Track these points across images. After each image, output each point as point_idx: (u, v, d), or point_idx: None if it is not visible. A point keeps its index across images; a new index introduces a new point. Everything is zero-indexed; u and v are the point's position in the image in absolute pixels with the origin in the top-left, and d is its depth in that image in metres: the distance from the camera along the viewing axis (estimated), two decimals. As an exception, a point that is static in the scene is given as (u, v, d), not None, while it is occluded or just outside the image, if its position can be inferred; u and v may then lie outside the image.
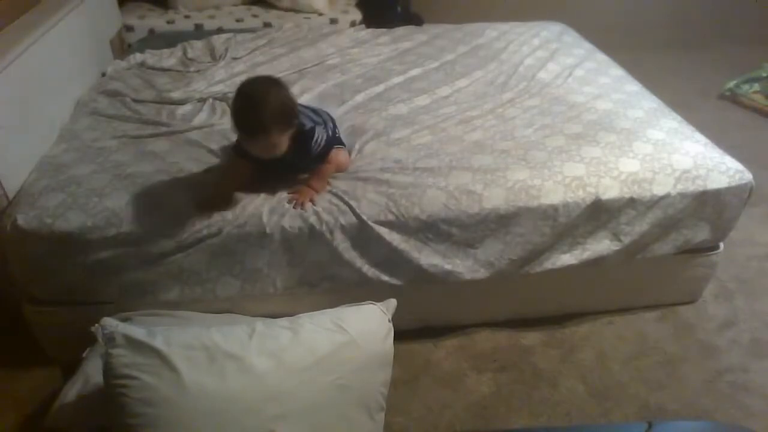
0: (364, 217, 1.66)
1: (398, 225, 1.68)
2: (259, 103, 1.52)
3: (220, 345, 1.32)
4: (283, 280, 1.73)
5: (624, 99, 2.20)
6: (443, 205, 1.69)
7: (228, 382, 1.29)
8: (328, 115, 1.91)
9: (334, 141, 1.82)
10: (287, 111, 1.58)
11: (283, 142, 1.59)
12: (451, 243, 1.72)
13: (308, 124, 1.70)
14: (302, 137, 1.66)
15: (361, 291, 1.70)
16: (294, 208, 1.66)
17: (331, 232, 1.66)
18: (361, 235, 1.68)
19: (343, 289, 1.75)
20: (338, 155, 1.79)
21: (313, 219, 1.65)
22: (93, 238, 1.60)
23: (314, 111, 1.85)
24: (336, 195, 1.69)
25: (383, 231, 1.67)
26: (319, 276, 1.73)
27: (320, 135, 1.71)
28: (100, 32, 2.64)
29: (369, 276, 1.72)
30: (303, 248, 1.68)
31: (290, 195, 1.70)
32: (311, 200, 1.68)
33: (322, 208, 1.67)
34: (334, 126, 1.88)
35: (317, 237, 1.66)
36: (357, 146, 1.92)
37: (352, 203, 1.67)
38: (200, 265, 1.67)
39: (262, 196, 1.71)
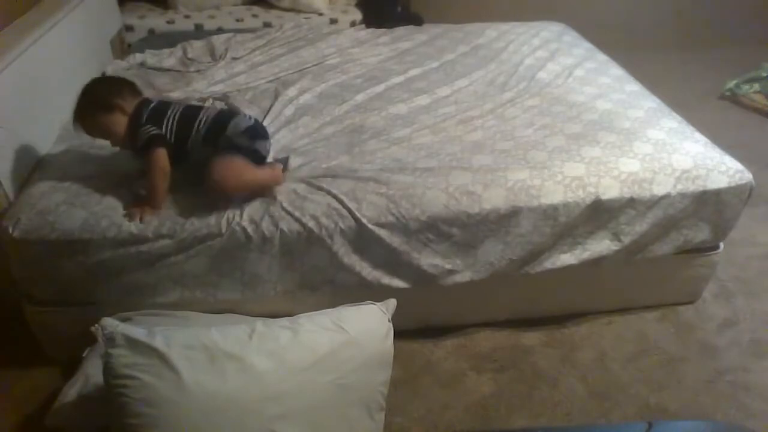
0: (364, 221, 1.65)
1: (398, 226, 1.68)
2: (78, 95, 1.67)
3: (220, 345, 1.33)
4: (283, 284, 1.73)
5: (624, 99, 2.20)
6: (443, 205, 1.68)
7: (228, 382, 1.29)
8: (211, 121, 1.71)
9: (164, 143, 1.66)
10: (95, 101, 1.66)
11: (104, 131, 1.68)
12: (452, 243, 1.72)
13: (143, 120, 1.67)
14: (131, 130, 1.67)
15: (361, 291, 1.70)
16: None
17: (331, 237, 1.66)
18: (361, 239, 1.68)
19: (343, 290, 1.74)
20: (157, 159, 1.64)
21: (312, 224, 1.64)
22: (93, 238, 1.59)
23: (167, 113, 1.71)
24: (335, 198, 1.68)
25: (383, 233, 1.67)
26: (320, 280, 1.73)
27: (145, 132, 1.64)
28: (100, 32, 2.64)
29: (369, 280, 1.72)
30: (303, 253, 1.68)
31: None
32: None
33: (321, 212, 1.66)
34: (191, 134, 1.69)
35: (316, 242, 1.66)
36: (356, 146, 1.91)
37: (352, 205, 1.66)
38: (201, 268, 1.67)
39: (260, 201, 1.70)
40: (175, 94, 2.24)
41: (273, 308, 1.74)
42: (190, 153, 1.70)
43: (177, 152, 1.69)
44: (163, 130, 1.67)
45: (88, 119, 1.67)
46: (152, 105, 1.72)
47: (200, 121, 1.70)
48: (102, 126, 1.67)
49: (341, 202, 1.67)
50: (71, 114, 1.68)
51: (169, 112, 1.71)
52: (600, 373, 1.84)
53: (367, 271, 1.72)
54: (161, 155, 1.65)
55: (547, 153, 1.85)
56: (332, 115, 2.11)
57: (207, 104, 1.82)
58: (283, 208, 1.66)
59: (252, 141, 1.71)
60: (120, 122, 1.67)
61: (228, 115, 1.75)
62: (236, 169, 1.64)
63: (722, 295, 2.13)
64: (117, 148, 1.81)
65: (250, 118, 1.76)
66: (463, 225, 1.70)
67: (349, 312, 1.48)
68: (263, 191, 1.70)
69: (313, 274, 1.72)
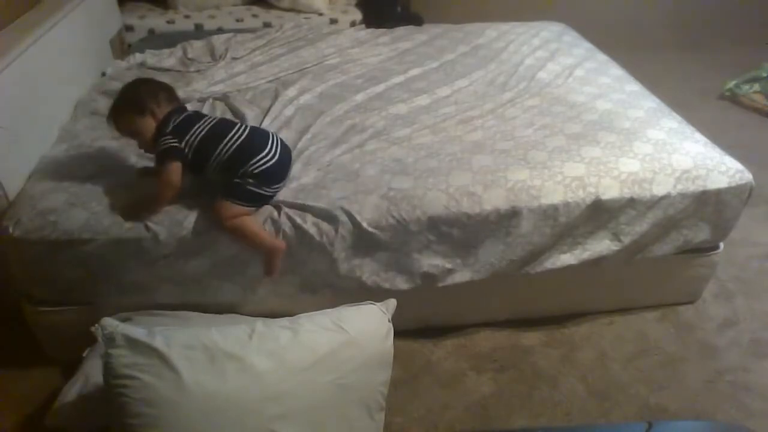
0: (365, 224, 1.65)
1: (399, 229, 1.67)
2: (118, 93, 1.71)
3: (220, 345, 1.33)
4: (284, 287, 1.73)
5: (624, 99, 2.20)
6: (444, 206, 1.68)
7: (228, 382, 1.29)
8: (229, 147, 1.64)
9: (180, 158, 1.63)
10: (130, 101, 1.66)
11: (132, 132, 1.67)
12: (452, 244, 1.72)
13: (168, 129, 1.64)
14: (156, 138, 1.65)
15: (361, 292, 1.70)
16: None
17: (332, 243, 1.65)
18: (362, 242, 1.68)
19: (343, 292, 1.74)
20: (168, 172, 1.61)
21: (313, 230, 1.64)
22: (94, 238, 1.59)
23: (190, 125, 1.66)
24: (335, 203, 1.67)
25: (384, 236, 1.67)
26: (320, 284, 1.74)
27: (164, 142, 1.62)
28: (100, 32, 2.64)
29: (369, 284, 1.72)
30: (304, 258, 1.68)
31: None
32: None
33: (322, 217, 1.65)
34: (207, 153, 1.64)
35: (317, 248, 1.66)
36: (356, 147, 1.91)
37: (353, 209, 1.66)
38: (201, 270, 1.67)
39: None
40: (175, 94, 2.24)
41: (273, 308, 1.74)
42: (207, 173, 1.66)
43: (194, 167, 1.66)
44: (184, 144, 1.63)
45: (120, 118, 1.67)
46: (183, 115, 1.68)
47: (224, 147, 1.63)
48: (131, 127, 1.67)
49: (341, 206, 1.66)
50: (108, 110, 1.70)
51: (195, 128, 1.66)
52: (600, 373, 1.84)
53: (367, 275, 1.72)
54: (174, 169, 1.61)
55: (547, 153, 1.85)
56: (332, 115, 2.11)
57: (238, 125, 1.71)
58: (285, 213, 1.65)
59: (265, 184, 1.64)
60: (149, 126, 1.65)
61: (254, 147, 1.64)
62: (229, 214, 1.60)
63: (722, 295, 2.13)
64: (116, 149, 1.82)
65: (274, 154, 1.65)
66: (464, 226, 1.70)
67: (349, 312, 1.48)
68: (264, 251, 1.64)
69: (314, 277, 1.72)
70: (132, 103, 1.66)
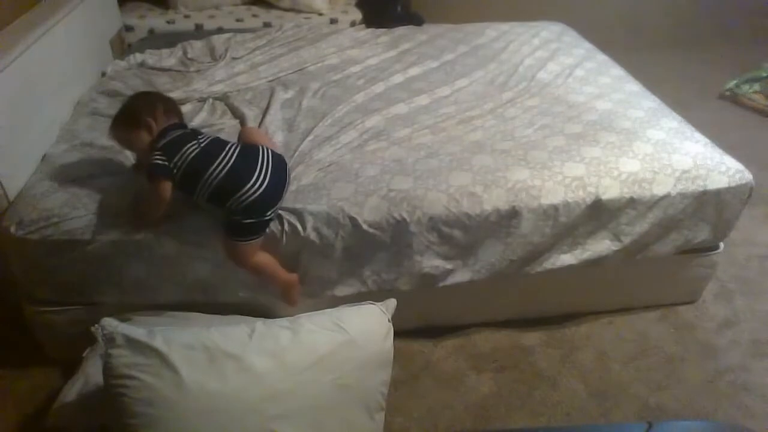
0: (365, 226, 1.65)
1: (399, 229, 1.67)
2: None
3: (220, 345, 1.33)
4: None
5: (624, 99, 2.20)
6: (444, 207, 1.68)
7: (228, 382, 1.29)
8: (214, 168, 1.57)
9: (168, 176, 1.57)
10: (126, 114, 1.68)
11: (127, 144, 1.71)
12: (452, 244, 1.72)
13: (159, 144, 1.60)
14: (149, 151, 1.62)
15: (361, 292, 1.70)
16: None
17: (332, 247, 1.66)
18: (363, 244, 1.68)
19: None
20: (158, 188, 1.56)
21: (313, 236, 1.63)
22: (94, 239, 1.59)
23: (179, 144, 1.60)
24: (335, 205, 1.66)
25: (384, 237, 1.67)
26: (320, 288, 1.74)
27: (154, 158, 1.57)
28: (100, 32, 2.64)
29: (369, 285, 1.72)
30: (305, 263, 1.68)
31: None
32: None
33: (322, 222, 1.64)
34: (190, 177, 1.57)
35: (318, 252, 1.66)
36: (356, 147, 1.91)
37: (353, 210, 1.65)
38: (202, 272, 1.67)
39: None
40: (175, 94, 2.23)
41: (273, 308, 1.74)
42: (197, 200, 1.61)
43: (184, 190, 1.60)
44: (172, 164, 1.57)
45: (117, 129, 1.69)
46: (178, 132, 1.64)
47: (210, 175, 1.55)
48: (125, 139, 1.69)
49: (341, 209, 1.66)
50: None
51: (185, 149, 1.58)
52: (600, 373, 1.84)
53: (368, 276, 1.72)
54: (163, 188, 1.55)
55: (548, 153, 1.85)
56: (332, 115, 2.11)
57: (226, 150, 1.62)
58: (285, 220, 1.65)
59: (258, 214, 1.58)
60: (143, 140, 1.64)
61: (240, 176, 1.56)
62: (241, 254, 1.60)
63: (722, 295, 2.13)
64: (116, 149, 1.82)
65: (261, 183, 1.56)
66: (464, 226, 1.70)
67: (349, 312, 1.48)
68: (280, 287, 1.69)
69: (314, 282, 1.72)
70: (128, 116, 1.67)
